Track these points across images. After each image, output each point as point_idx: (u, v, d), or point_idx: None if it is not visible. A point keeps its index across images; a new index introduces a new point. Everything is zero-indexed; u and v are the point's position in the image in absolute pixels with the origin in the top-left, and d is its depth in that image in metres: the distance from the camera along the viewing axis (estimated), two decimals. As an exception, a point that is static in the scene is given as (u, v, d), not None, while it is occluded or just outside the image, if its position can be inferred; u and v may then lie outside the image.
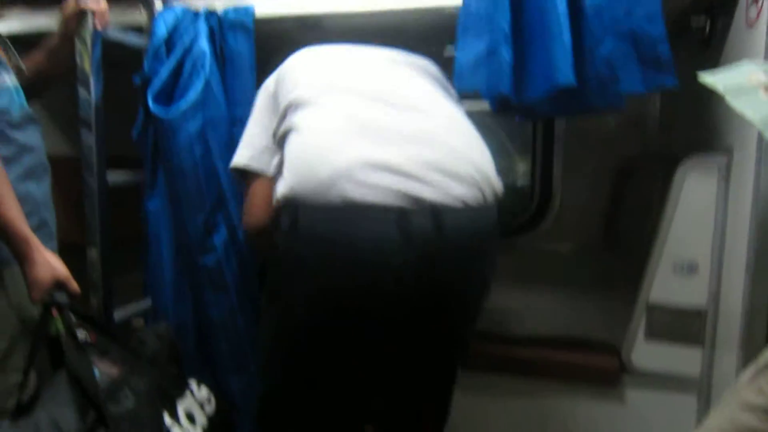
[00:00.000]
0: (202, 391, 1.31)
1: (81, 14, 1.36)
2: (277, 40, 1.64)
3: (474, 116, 1.23)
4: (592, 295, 2.21)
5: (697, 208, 1.40)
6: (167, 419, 1.16)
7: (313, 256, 1.03)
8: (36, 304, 1.19)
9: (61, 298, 1.18)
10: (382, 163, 1.01)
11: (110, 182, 1.45)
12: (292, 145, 1.09)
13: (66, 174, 1.81)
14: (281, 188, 1.07)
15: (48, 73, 1.47)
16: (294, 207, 1.03)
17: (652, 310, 1.43)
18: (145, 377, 1.18)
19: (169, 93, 1.46)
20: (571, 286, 2.27)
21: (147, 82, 1.45)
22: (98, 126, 1.40)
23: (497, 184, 1.14)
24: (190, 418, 1.23)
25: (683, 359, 1.41)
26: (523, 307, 2.32)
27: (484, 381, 1.55)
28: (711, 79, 1.01)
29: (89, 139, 1.40)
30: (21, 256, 1.16)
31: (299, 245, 1.04)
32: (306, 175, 1.03)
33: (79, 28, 1.37)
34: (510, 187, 2.43)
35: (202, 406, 1.28)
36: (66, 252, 1.87)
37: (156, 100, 1.44)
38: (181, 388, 1.26)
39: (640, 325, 1.44)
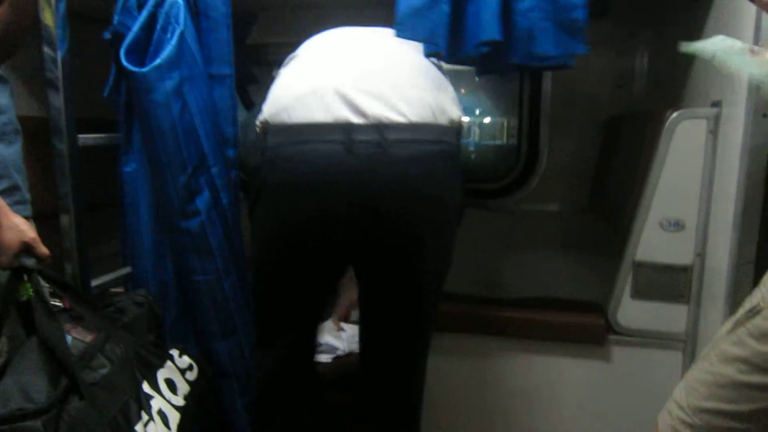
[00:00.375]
0: (183, 359, 1.27)
1: None
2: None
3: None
4: (578, 255, 2.22)
5: (684, 163, 1.39)
6: (146, 388, 1.13)
7: (276, 172, 1.20)
8: (3, 269, 1.13)
9: (30, 262, 1.12)
10: (335, 89, 1.16)
11: (81, 145, 1.39)
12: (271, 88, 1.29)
13: (36, 135, 1.75)
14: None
15: (15, 27, 1.37)
16: (264, 132, 1.23)
17: (639, 268, 1.43)
18: (122, 344, 1.14)
19: (143, 48, 1.38)
20: (558, 246, 2.27)
21: (118, 37, 1.38)
22: (66, 86, 1.32)
23: (453, 112, 1.23)
24: (171, 386, 1.20)
25: (669, 317, 1.42)
26: (510, 268, 2.33)
27: (471, 342, 1.55)
28: (695, 46, 1.00)
29: (56, 100, 1.32)
30: None
31: (266, 164, 1.21)
32: (271, 104, 1.24)
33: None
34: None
35: (183, 374, 1.25)
36: (43, 219, 1.83)
37: (128, 56, 1.36)
38: (161, 357, 1.22)
39: (626, 283, 1.44)
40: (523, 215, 2.31)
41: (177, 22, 1.37)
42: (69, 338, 1.08)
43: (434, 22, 1.23)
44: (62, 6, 1.29)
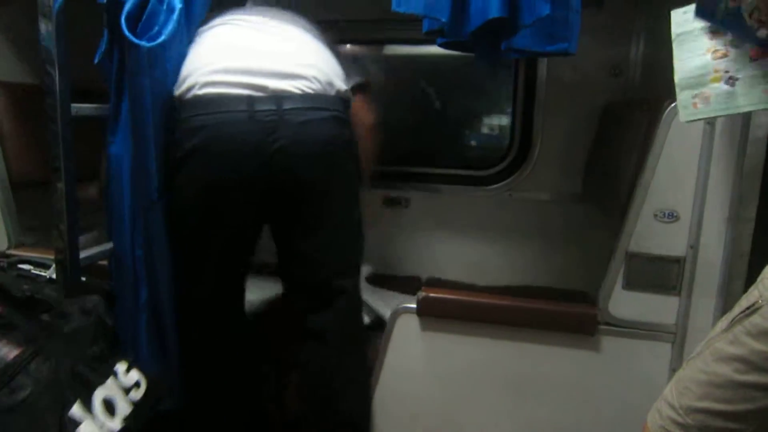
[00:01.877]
0: (129, 375, 1.17)
1: None
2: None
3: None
4: (568, 245, 2.21)
5: (681, 153, 1.37)
6: (77, 409, 1.02)
7: (193, 138, 1.35)
8: None
9: None
10: (237, 68, 1.36)
11: (75, 114, 1.34)
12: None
13: (24, 102, 1.70)
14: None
15: None
16: (178, 105, 1.39)
17: (631, 258, 1.41)
18: (53, 359, 1.03)
19: (136, 17, 1.33)
20: (548, 235, 2.26)
21: (114, 3, 1.32)
22: (60, 53, 1.27)
23: (340, 85, 1.45)
24: (109, 407, 1.09)
25: (660, 308, 1.41)
26: (499, 256, 2.31)
27: (459, 328, 1.53)
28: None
29: (51, 67, 1.27)
30: None
31: (184, 132, 1.37)
32: (182, 81, 1.38)
33: None
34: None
35: (127, 392, 1.14)
36: (23, 188, 1.78)
37: (127, 26, 1.31)
38: (103, 373, 1.12)
39: (618, 274, 1.42)
40: (514, 203, 2.29)
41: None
42: None
43: None
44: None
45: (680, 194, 1.37)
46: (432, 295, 1.53)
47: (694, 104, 1.05)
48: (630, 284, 1.42)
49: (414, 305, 1.55)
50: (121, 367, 1.17)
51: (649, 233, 1.39)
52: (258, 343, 1.71)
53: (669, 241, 1.38)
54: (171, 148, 1.41)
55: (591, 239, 2.13)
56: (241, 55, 1.40)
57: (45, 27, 1.27)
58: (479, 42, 1.39)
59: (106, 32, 1.38)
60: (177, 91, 1.39)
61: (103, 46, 1.39)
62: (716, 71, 1.03)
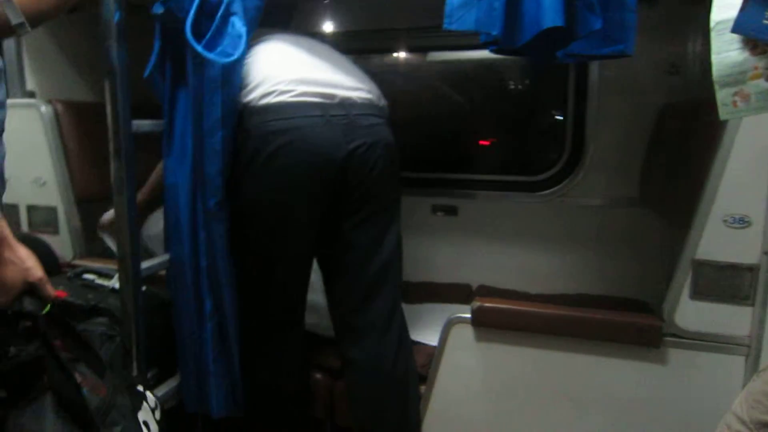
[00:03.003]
0: (150, 397, 1.18)
1: None
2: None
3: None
4: (625, 251, 2.13)
5: (751, 155, 1.29)
6: None
7: (270, 144, 1.40)
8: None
9: (32, 306, 0.98)
10: (309, 78, 1.47)
11: (135, 131, 1.38)
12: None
13: (85, 119, 1.76)
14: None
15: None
16: (247, 113, 1.44)
17: (699, 266, 1.34)
18: (125, 393, 1.04)
19: (198, 32, 1.36)
20: (603, 241, 2.19)
21: (169, 16, 1.35)
22: (122, 74, 1.32)
23: (381, 95, 1.62)
24: (148, 429, 1.10)
25: (731, 319, 1.33)
26: (552, 263, 2.25)
27: (514, 338, 1.49)
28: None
29: (114, 88, 1.32)
30: None
31: (255, 139, 1.42)
32: (254, 88, 1.44)
33: None
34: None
35: (153, 413, 1.15)
36: (85, 201, 1.85)
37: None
38: (138, 397, 1.13)
39: (684, 282, 1.36)
40: (566, 208, 2.23)
41: (238, 16, 1.36)
42: (85, 392, 0.98)
43: (483, 11, 1.21)
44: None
45: (751, 198, 1.30)
46: (487, 305, 1.50)
47: (734, 102, 0.99)
48: (698, 294, 1.35)
49: (468, 315, 1.52)
50: (141, 388, 1.18)
51: (718, 240, 1.32)
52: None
53: (740, 248, 1.31)
54: (238, 155, 1.44)
55: (649, 246, 2.05)
56: (311, 68, 1.51)
57: (108, 50, 1.31)
58: (532, 48, 1.36)
59: (157, 45, 1.42)
60: (245, 99, 1.44)
61: (153, 60, 1.43)
62: (756, 68, 0.96)
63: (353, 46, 2.29)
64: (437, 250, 2.39)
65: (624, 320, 1.44)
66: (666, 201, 1.72)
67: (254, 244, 1.51)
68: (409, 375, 1.59)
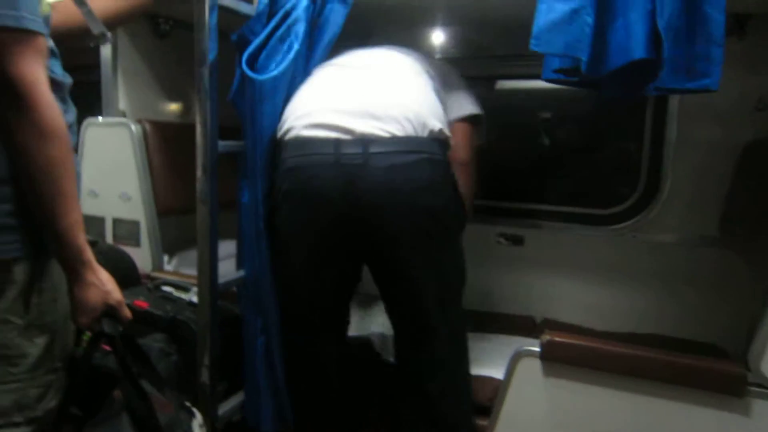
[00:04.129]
0: (197, 416, 1.20)
1: None
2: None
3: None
4: (699, 293, 2.03)
5: None
6: None
7: (285, 180, 1.40)
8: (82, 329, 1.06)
9: (112, 329, 1.03)
10: (328, 109, 1.37)
11: (221, 151, 1.45)
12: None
13: (170, 139, 1.87)
14: None
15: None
16: (279, 146, 1.44)
17: (791, 313, 1.26)
18: (186, 409, 1.09)
19: (257, 55, 1.43)
20: (675, 280, 2.09)
21: (243, 42, 1.42)
22: (212, 96, 1.39)
23: (434, 124, 1.38)
24: None
25: (829, 372, 1.25)
26: (621, 300, 2.18)
27: (589, 378, 1.44)
28: None
29: (205, 110, 1.39)
30: (71, 271, 0.98)
31: (279, 174, 1.42)
32: (281, 123, 1.44)
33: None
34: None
35: (201, 429, 1.19)
36: (165, 215, 1.95)
37: (248, 61, 1.41)
38: (191, 415, 1.16)
39: (774, 329, 1.28)
40: (638, 244, 2.15)
41: (296, 38, 1.40)
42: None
43: (573, 35, 1.19)
44: (214, 19, 1.36)
45: None
46: (558, 339, 1.46)
47: None
48: (790, 342, 1.27)
49: (537, 348, 1.48)
50: (188, 403, 1.21)
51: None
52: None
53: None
54: (273, 187, 1.47)
55: (726, 287, 1.95)
56: (333, 99, 1.41)
57: (201, 75, 1.38)
58: (611, 80, 1.34)
59: (238, 71, 1.49)
60: (279, 133, 1.45)
61: (235, 84, 1.50)
62: None
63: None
64: (500, 279, 2.35)
65: (707, 366, 1.37)
66: (750, 243, 1.63)
67: (283, 270, 1.52)
68: (464, 410, 1.55)
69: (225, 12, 1.43)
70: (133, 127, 1.88)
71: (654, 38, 1.14)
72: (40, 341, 0.99)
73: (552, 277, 2.28)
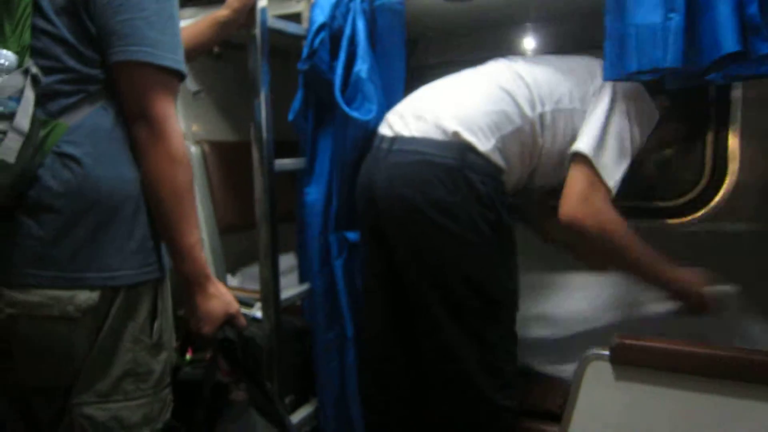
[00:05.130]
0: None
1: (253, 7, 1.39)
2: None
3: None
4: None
5: None
6: None
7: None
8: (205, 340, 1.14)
9: (232, 334, 1.11)
10: (394, 110, 1.46)
11: (277, 170, 1.50)
12: None
13: (229, 157, 1.94)
14: None
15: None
16: None
17: None
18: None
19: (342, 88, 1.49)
20: (749, 273, 1.98)
21: (314, 70, 1.46)
22: (268, 117, 1.43)
23: (478, 141, 1.34)
24: None
25: None
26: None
27: (664, 381, 1.39)
28: None
29: (261, 130, 1.43)
30: (195, 285, 1.06)
31: None
32: None
33: (251, 22, 1.40)
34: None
35: None
36: (225, 232, 2.01)
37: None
38: None
39: None
40: (706, 236, 2.06)
41: (369, 63, 1.46)
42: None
43: (669, 48, 1.16)
44: (267, 46, 1.41)
45: None
46: (629, 341, 1.41)
47: None
48: None
49: (606, 351, 1.44)
50: None
51: None
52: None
53: None
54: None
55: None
56: (407, 101, 1.48)
57: (256, 100, 1.43)
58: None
59: (301, 93, 1.52)
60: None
61: (297, 105, 1.53)
62: None
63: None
64: (560, 278, 2.29)
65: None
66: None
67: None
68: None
69: (275, 33, 1.47)
70: (193, 148, 1.95)
71: (742, 30, 1.10)
72: (162, 358, 1.08)
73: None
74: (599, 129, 1.37)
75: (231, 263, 2.07)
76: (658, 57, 1.16)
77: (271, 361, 1.48)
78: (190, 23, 1.48)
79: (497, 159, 1.37)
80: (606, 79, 1.25)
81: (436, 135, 1.35)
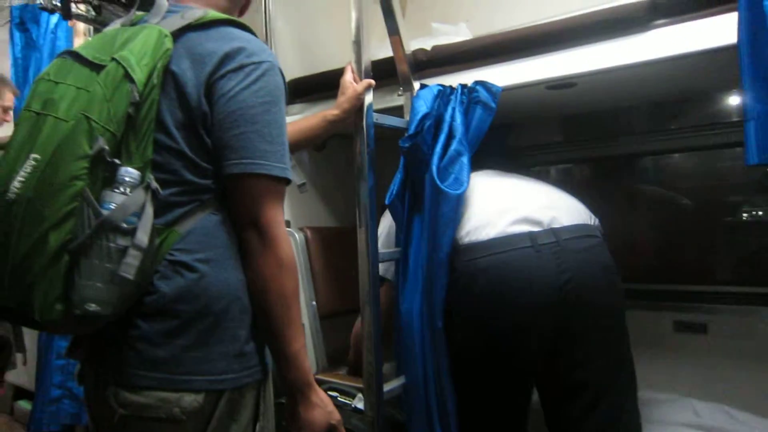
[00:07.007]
0: None
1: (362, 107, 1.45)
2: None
3: None
4: None
5: None
6: None
7: (477, 282, 1.39)
8: None
9: None
10: (512, 208, 1.46)
11: (381, 260, 1.52)
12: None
13: (329, 242, 1.98)
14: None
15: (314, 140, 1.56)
16: (457, 248, 1.45)
17: None
18: None
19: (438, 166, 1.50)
20: None
21: (415, 150, 1.49)
22: (373, 205, 1.47)
23: (591, 213, 1.53)
24: None
25: None
26: None
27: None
28: None
29: (366, 216, 1.46)
30: (298, 393, 1.04)
31: (464, 277, 1.42)
32: (461, 227, 1.47)
33: (359, 120, 1.46)
34: None
35: None
36: (326, 318, 2.02)
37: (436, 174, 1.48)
38: None
39: None
40: None
41: (464, 146, 1.49)
42: None
43: None
44: (372, 143, 1.46)
45: None
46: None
47: None
48: None
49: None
50: None
51: None
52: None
53: None
54: (451, 289, 1.46)
55: None
56: (511, 197, 1.52)
57: (361, 190, 1.47)
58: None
59: (400, 175, 1.55)
60: (456, 235, 1.46)
61: (395, 189, 1.55)
62: None
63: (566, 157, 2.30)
64: (678, 373, 2.08)
65: None
66: None
67: (462, 374, 1.48)
68: None
69: (379, 127, 1.53)
70: (297, 235, 2.02)
71: None
72: None
73: (741, 369, 1.97)
74: None
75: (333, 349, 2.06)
76: None
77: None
78: (300, 118, 1.57)
79: None
80: (749, 163, 1.18)
81: (589, 220, 1.51)
